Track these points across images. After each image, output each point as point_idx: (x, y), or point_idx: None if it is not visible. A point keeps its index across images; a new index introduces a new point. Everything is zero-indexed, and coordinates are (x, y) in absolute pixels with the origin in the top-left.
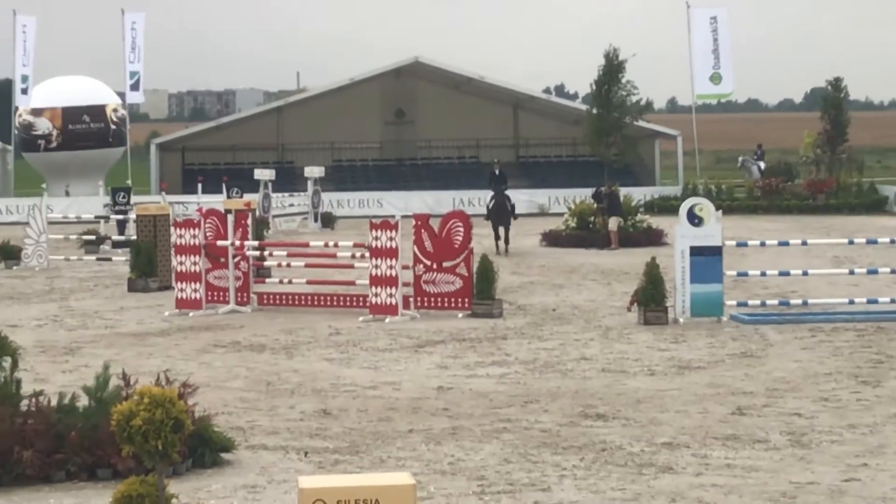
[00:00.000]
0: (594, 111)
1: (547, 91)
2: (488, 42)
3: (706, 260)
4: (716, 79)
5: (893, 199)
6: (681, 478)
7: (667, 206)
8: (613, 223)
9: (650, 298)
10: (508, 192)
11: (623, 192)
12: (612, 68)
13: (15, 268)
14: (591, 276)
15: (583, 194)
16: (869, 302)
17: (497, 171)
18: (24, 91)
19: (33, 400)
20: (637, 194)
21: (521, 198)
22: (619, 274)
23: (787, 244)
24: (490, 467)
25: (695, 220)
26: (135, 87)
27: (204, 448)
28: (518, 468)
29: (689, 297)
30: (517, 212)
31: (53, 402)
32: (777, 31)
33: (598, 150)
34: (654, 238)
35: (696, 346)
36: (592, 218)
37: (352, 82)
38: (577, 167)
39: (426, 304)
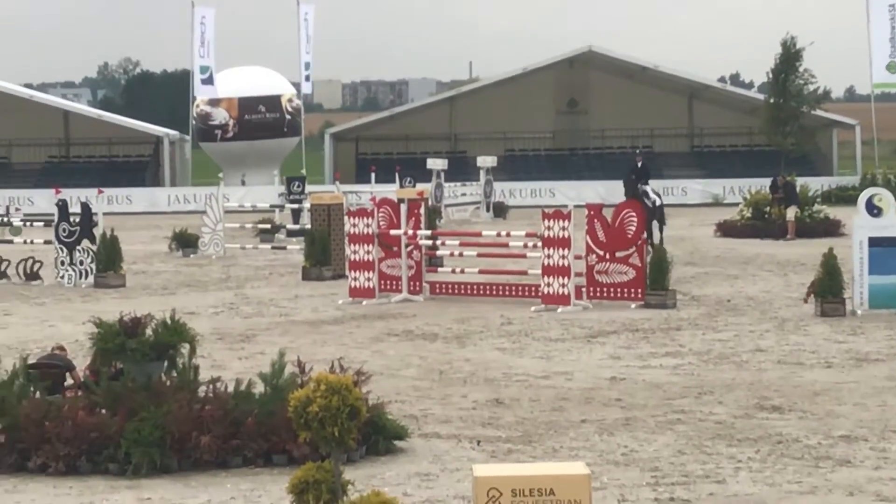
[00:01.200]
0: (771, 100)
1: (722, 80)
2: (662, 31)
3: (885, 251)
4: (892, 67)
5: None
6: (859, 471)
7: (844, 197)
8: (790, 213)
9: (827, 290)
10: (648, 188)
11: (800, 182)
12: (789, 56)
13: (192, 256)
14: (767, 267)
15: (758, 184)
16: None
17: (640, 164)
18: (203, 82)
19: (211, 386)
20: (814, 184)
21: (696, 188)
22: (795, 265)
23: None
24: (664, 458)
25: (874, 210)
26: (307, 77)
27: (377, 435)
28: (692, 460)
29: (867, 288)
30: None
31: (230, 389)
32: None
33: (775, 140)
34: (831, 229)
35: (874, 338)
36: (768, 208)
37: (525, 72)
38: (752, 157)
39: (598, 294)
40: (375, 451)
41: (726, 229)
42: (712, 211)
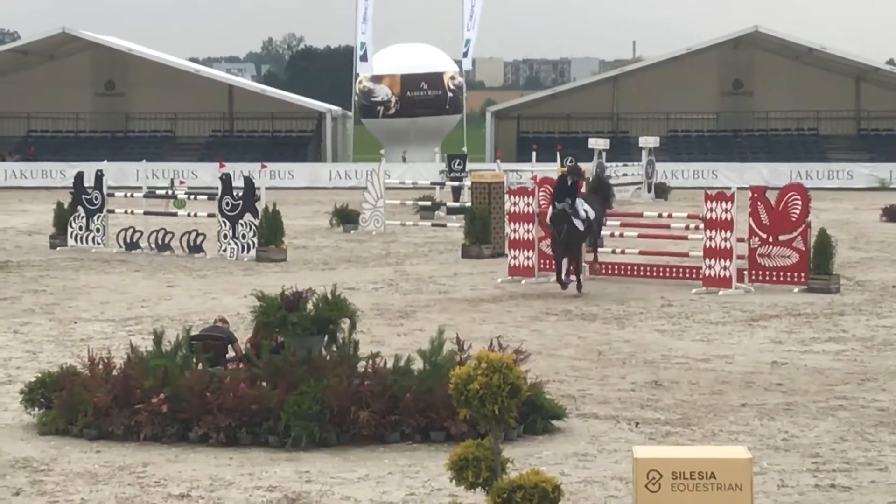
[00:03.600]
0: None
1: (890, 62)
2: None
3: None
4: None
5: None
6: None
7: None
8: None
9: None
10: (579, 205)
11: None
12: None
13: (353, 231)
14: None
15: None
16: None
17: (569, 182)
18: (364, 58)
19: (370, 362)
20: None
21: (861, 171)
22: None
23: None
24: (825, 445)
25: None
26: (465, 53)
27: (535, 415)
28: (854, 447)
29: None
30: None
31: (389, 365)
32: None
33: None
34: None
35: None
36: None
37: (689, 52)
38: None
39: (761, 277)
40: (533, 431)
41: (892, 214)
42: (878, 195)
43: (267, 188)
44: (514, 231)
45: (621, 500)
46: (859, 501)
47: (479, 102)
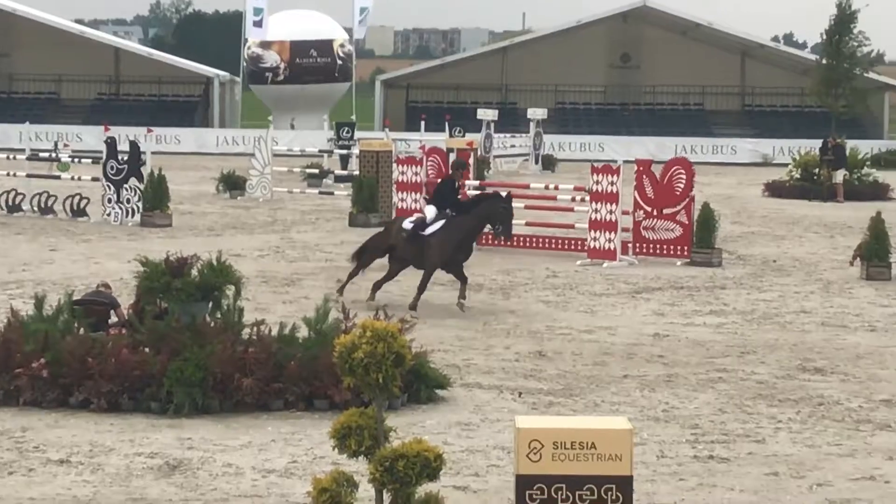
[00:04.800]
0: (823, 61)
1: (775, 39)
2: None
3: None
4: None
5: None
6: None
7: (894, 161)
8: (839, 176)
9: (874, 253)
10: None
11: (850, 144)
12: (844, 18)
13: (239, 198)
14: (814, 229)
15: (808, 145)
16: None
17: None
18: (256, 24)
19: (254, 329)
20: (864, 147)
21: (745, 147)
22: (842, 227)
23: None
24: (704, 416)
25: None
26: (362, 21)
27: (420, 384)
28: (733, 418)
29: None
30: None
31: (274, 332)
32: None
33: (826, 102)
34: (879, 192)
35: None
36: (817, 170)
37: (578, 25)
38: (803, 118)
39: (645, 250)
40: (417, 400)
41: (774, 189)
42: (761, 171)
43: (153, 153)
44: (402, 200)
45: (503, 469)
46: (737, 473)
47: (368, 71)
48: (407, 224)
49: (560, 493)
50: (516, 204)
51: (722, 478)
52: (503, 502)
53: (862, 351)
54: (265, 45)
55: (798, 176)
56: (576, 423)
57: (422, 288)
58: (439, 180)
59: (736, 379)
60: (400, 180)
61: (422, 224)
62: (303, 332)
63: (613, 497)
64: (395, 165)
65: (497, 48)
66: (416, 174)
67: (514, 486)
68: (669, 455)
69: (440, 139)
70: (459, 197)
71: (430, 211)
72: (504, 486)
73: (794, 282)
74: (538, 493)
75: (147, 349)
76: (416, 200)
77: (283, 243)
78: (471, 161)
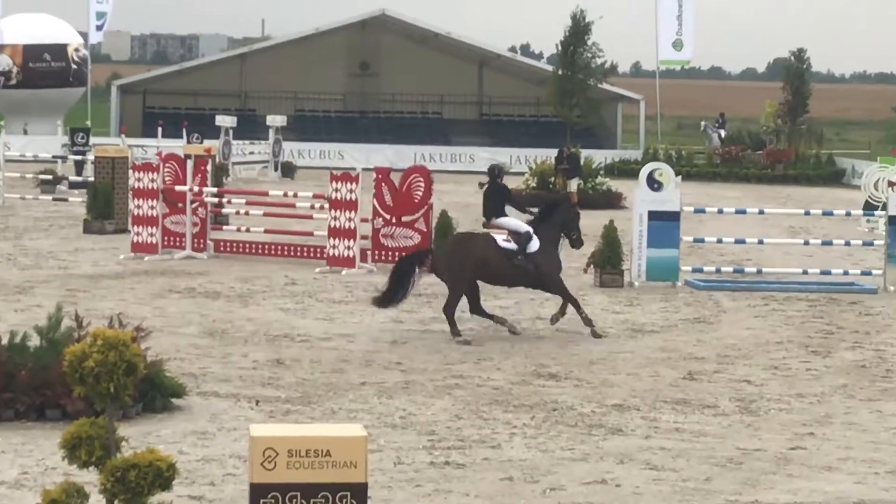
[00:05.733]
0: (559, 72)
1: (513, 50)
2: None
3: (664, 225)
4: (678, 45)
5: (851, 172)
6: (630, 440)
7: (627, 170)
8: (574, 184)
9: (607, 261)
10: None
11: (584, 154)
12: (579, 30)
13: None
14: None
15: (544, 154)
16: (822, 273)
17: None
18: None
19: None
20: (598, 157)
21: (483, 155)
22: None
23: (744, 212)
24: (441, 422)
25: (654, 184)
26: (100, 27)
27: (155, 393)
28: (469, 424)
29: (645, 261)
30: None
31: (4, 341)
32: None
33: (562, 112)
34: (613, 201)
35: (650, 310)
36: (553, 178)
37: (317, 32)
38: (539, 127)
39: (384, 257)
40: (152, 409)
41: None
42: None
43: None
44: (139, 207)
45: (239, 478)
46: (472, 478)
47: (104, 76)
48: (503, 243)
49: (295, 500)
50: (254, 212)
51: (458, 483)
52: None
53: (595, 357)
54: None
55: (534, 184)
56: (311, 430)
57: (574, 302)
58: (485, 189)
59: (472, 385)
60: (136, 187)
61: (526, 239)
62: (35, 341)
63: None
64: (131, 172)
65: (236, 54)
66: (153, 181)
67: (249, 494)
68: (406, 461)
69: (178, 145)
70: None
71: (515, 222)
72: (240, 496)
73: (528, 290)
74: (273, 501)
75: None
76: (152, 207)
77: (15, 250)
78: (208, 168)
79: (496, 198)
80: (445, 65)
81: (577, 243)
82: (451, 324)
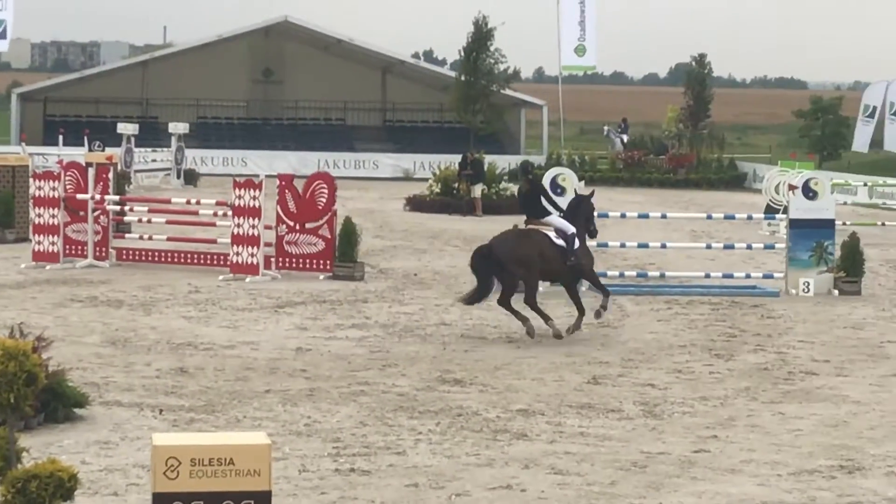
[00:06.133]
0: (462, 78)
1: (416, 56)
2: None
3: None
4: (580, 51)
5: (752, 176)
6: (535, 445)
7: None
8: (477, 190)
9: None
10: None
11: (488, 159)
12: (481, 36)
13: None
14: (454, 242)
15: (448, 160)
16: (724, 276)
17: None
18: None
19: None
20: (502, 162)
21: (387, 162)
22: (481, 240)
23: (646, 217)
24: (346, 430)
25: (557, 189)
26: (1, 34)
27: (57, 403)
28: (374, 431)
29: None
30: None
31: None
32: (644, 5)
33: (465, 117)
34: (516, 206)
35: (554, 314)
36: (457, 184)
37: (220, 39)
38: (443, 133)
39: (288, 264)
40: (54, 419)
41: (416, 204)
42: (403, 185)
43: None
44: (39, 216)
45: (142, 488)
46: (377, 485)
47: (4, 84)
48: (556, 240)
49: None
50: (156, 219)
51: (363, 490)
52: None
53: (500, 362)
54: None
55: (438, 190)
56: (214, 439)
57: (603, 288)
58: (520, 191)
59: (377, 392)
60: (37, 195)
61: (572, 239)
62: None
63: None
64: (32, 180)
65: (137, 62)
66: (54, 189)
67: None
68: (311, 469)
69: (79, 154)
70: None
71: (562, 222)
72: None
73: (434, 294)
74: None
75: None
76: (53, 216)
77: None
78: (110, 176)
79: (537, 196)
80: (349, 71)
81: (594, 234)
82: (540, 314)
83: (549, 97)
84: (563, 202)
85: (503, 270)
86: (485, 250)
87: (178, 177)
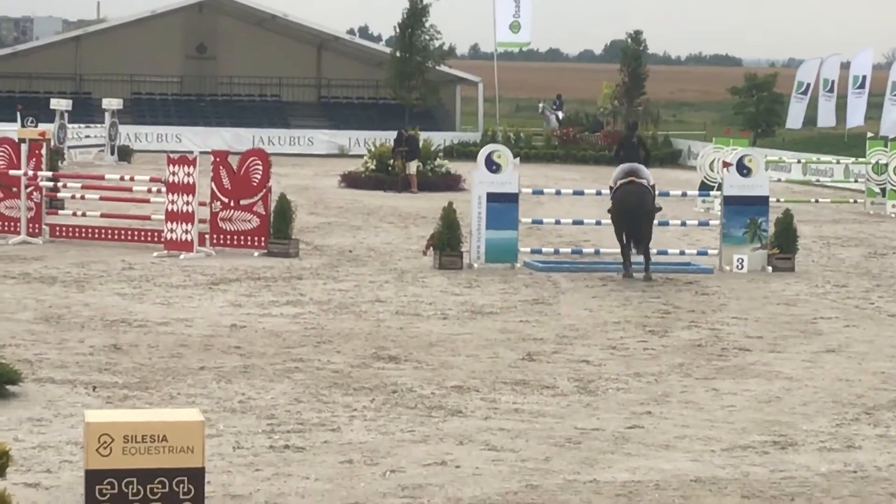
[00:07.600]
0: (397, 54)
1: (351, 32)
2: None
3: (502, 206)
4: (515, 27)
5: (687, 153)
6: (469, 421)
7: (466, 152)
8: (413, 167)
9: (446, 243)
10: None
11: (423, 136)
12: (416, 12)
13: None
14: (389, 219)
15: (383, 137)
16: (659, 253)
17: (635, 139)
18: None
19: None
20: (437, 139)
21: (322, 138)
22: (416, 217)
23: (581, 193)
24: (280, 406)
25: (493, 166)
26: None
27: None
28: (308, 408)
29: (484, 242)
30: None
31: None
32: None
33: (400, 94)
34: (452, 183)
35: (489, 291)
36: (392, 161)
37: (153, 14)
38: (378, 110)
39: (222, 241)
40: None
41: (351, 180)
42: (338, 161)
43: None
44: None
45: (76, 465)
46: (312, 461)
47: None
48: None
49: (131, 486)
50: (90, 196)
51: (297, 467)
52: (76, 498)
53: (434, 339)
54: None
55: (373, 167)
56: (147, 416)
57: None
58: (625, 140)
59: (312, 368)
60: None
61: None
62: None
63: (185, 489)
64: None
65: (71, 37)
66: None
67: (84, 481)
68: (245, 446)
69: (12, 129)
70: None
71: (649, 173)
72: (77, 482)
73: (369, 271)
74: (108, 487)
75: None
76: None
77: None
78: (43, 152)
79: (639, 151)
80: (283, 47)
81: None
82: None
83: (484, 74)
84: (499, 179)
85: (647, 223)
86: (632, 209)
87: (112, 153)
